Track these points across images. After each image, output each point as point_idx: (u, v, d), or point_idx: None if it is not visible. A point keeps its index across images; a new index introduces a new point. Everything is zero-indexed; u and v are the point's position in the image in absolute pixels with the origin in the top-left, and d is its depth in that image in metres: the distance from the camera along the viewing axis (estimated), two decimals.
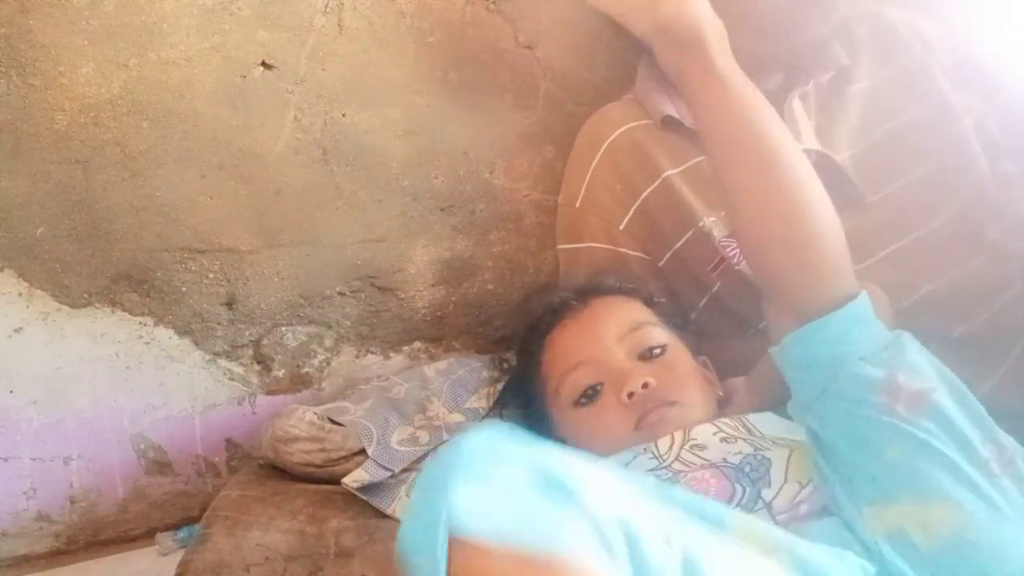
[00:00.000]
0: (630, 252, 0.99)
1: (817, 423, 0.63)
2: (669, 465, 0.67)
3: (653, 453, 0.69)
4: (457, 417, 0.98)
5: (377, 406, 0.99)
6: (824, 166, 0.90)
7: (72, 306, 0.99)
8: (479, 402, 1.00)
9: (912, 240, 0.86)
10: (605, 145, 0.99)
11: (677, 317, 0.91)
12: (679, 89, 0.73)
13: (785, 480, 0.61)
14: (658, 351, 0.78)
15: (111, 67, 0.91)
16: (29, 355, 0.99)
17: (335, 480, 0.93)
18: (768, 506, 0.60)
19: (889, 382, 0.59)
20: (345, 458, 0.94)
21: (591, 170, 1.00)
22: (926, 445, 0.55)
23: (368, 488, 0.91)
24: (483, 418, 0.98)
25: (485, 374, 1.02)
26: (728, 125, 0.69)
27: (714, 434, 0.69)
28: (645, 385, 0.73)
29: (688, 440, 0.69)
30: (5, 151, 0.90)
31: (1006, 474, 0.54)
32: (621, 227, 0.98)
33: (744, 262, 0.89)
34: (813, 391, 0.63)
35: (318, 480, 0.95)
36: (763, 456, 0.64)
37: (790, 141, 0.68)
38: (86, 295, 0.99)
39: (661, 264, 0.98)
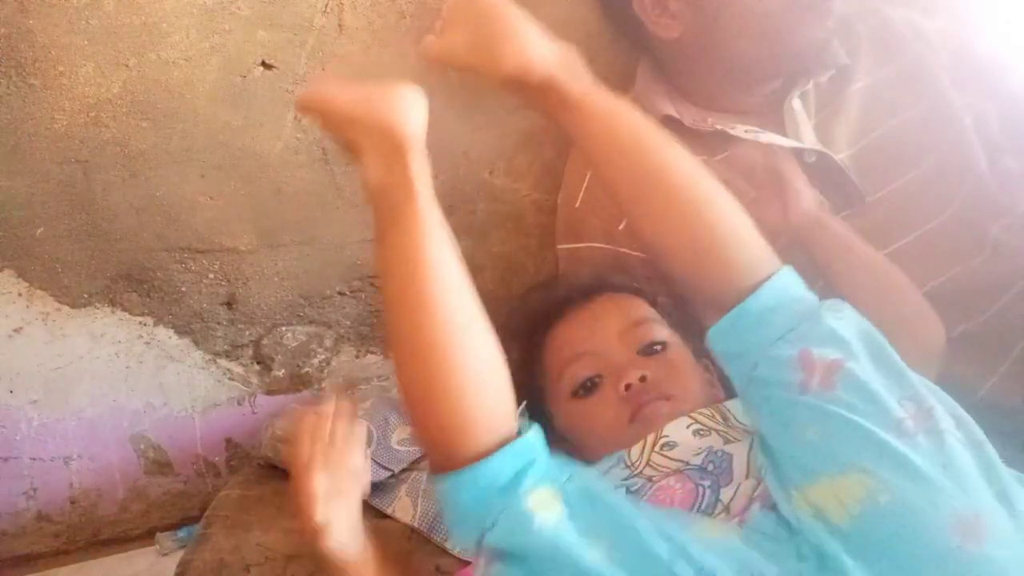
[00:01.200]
0: (630, 252, 0.99)
1: (751, 412, 0.63)
2: (640, 472, 0.67)
3: (625, 462, 0.69)
4: None
5: (377, 406, 0.99)
6: (824, 165, 0.90)
7: (72, 306, 0.99)
8: None
9: (912, 239, 0.86)
10: None
11: (679, 317, 0.91)
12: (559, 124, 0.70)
13: (746, 475, 0.61)
14: (659, 347, 0.78)
15: (111, 67, 0.91)
16: (29, 355, 0.99)
17: None
18: (726, 508, 0.60)
19: (803, 358, 0.58)
20: None
21: (591, 170, 1.00)
22: (838, 417, 0.54)
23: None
24: None
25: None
26: (601, 146, 0.67)
27: (688, 427, 0.69)
28: (643, 379, 0.73)
29: (660, 439, 0.68)
30: (5, 151, 0.90)
31: (921, 430, 0.53)
32: (621, 227, 0.98)
33: None
34: (742, 381, 0.62)
35: None
36: (724, 452, 0.63)
37: (667, 144, 0.66)
38: (86, 295, 0.99)
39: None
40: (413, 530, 0.88)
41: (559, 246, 1.06)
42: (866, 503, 0.50)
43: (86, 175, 0.94)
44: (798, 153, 0.91)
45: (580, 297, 0.85)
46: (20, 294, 0.97)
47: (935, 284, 0.82)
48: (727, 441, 0.66)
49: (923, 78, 0.93)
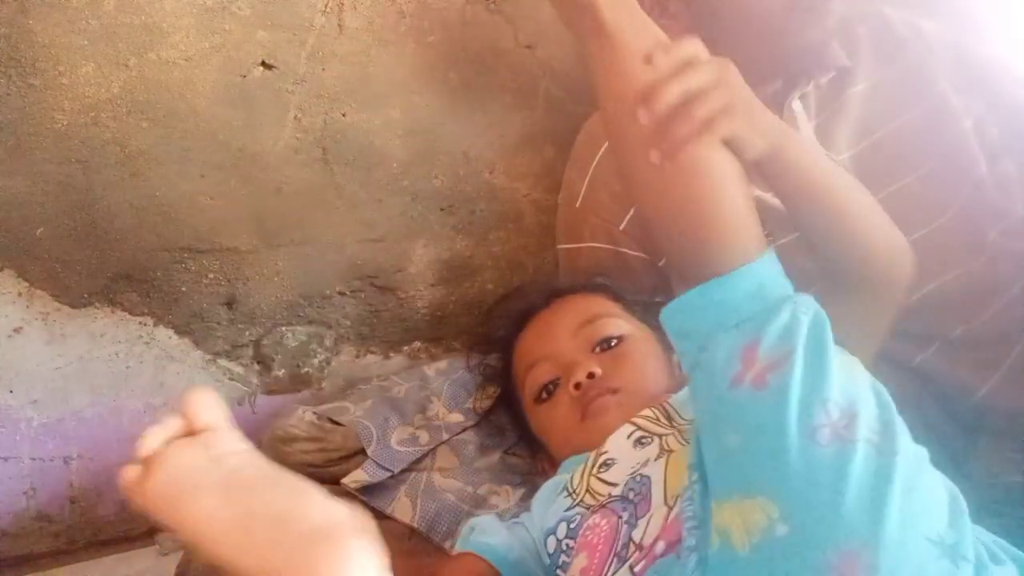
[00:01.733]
0: (630, 252, 0.99)
1: (692, 403, 0.59)
2: (581, 500, 0.66)
3: (568, 489, 0.68)
4: (457, 417, 0.98)
5: (377, 406, 0.99)
6: None
7: (72, 306, 0.99)
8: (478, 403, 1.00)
9: (912, 240, 0.86)
10: (605, 145, 0.99)
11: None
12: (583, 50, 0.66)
13: (663, 499, 0.57)
14: (614, 342, 0.78)
15: (111, 67, 0.91)
16: (29, 355, 0.99)
17: (335, 480, 0.93)
18: (639, 547, 0.56)
19: (747, 351, 0.54)
20: (345, 458, 0.94)
21: (591, 170, 1.00)
22: (755, 428, 0.50)
23: (368, 488, 0.91)
24: (483, 417, 0.98)
25: (474, 377, 1.02)
26: (616, 82, 0.63)
27: (629, 436, 0.67)
28: (591, 375, 0.73)
29: (600, 457, 0.67)
30: (5, 151, 0.90)
31: (836, 439, 0.48)
32: (621, 227, 0.98)
33: None
34: (688, 365, 0.58)
35: (318, 480, 0.94)
36: (643, 476, 0.60)
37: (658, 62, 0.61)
38: (86, 295, 0.99)
39: (661, 264, 0.98)
40: (413, 530, 0.88)
41: (559, 246, 1.07)
42: (766, 533, 0.46)
43: (86, 175, 0.94)
44: None
45: (541, 304, 0.86)
46: (20, 294, 0.97)
47: (935, 286, 0.83)
48: (660, 454, 0.62)
49: (923, 80, 0.93)
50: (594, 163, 1.00)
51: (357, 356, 1.15)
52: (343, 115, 1.02)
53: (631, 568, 0.54)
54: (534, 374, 0.79)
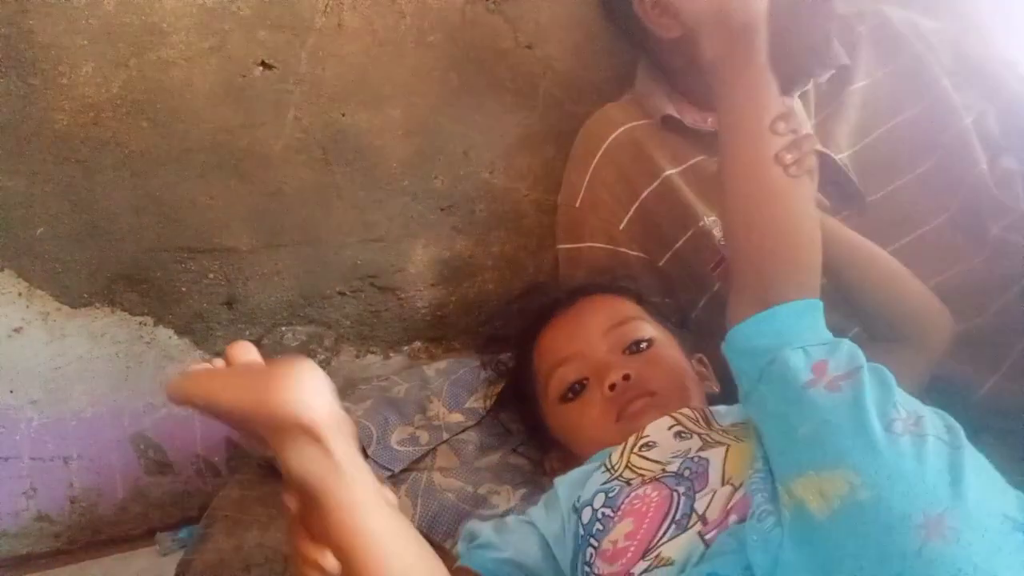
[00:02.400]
0: (630, 252, 0.99)
1: (753, 410, 0.63)
2: (620, 475, 0.67)
3: (606, 465, 0.69)
4: (457, 417, 0.98)
5: (377, 406, 0.99)
6: (824, 165, 0.90)
7: (72, 306, 0.99)
8: (479, 402, 1.00)
9: (913, 238, 0.86)
10: (605, 145, 0.99)
11: (676, 316, 0.91)
12: (716, 83, 0.71)
13: (721, 482, 0.60)
14: (644, 345, 0.78)
15: (111, 67, 0.91)
16: (29, 355, 0.99)
17: None
18: (701, 518, 0.59)
19: (817, 366, 0.59)
20: None
21: (591, 170, 1.00)
22: (832, 413, 0.55)
23: None
24: (482, 419, 0.98)
25: (484, 375, 1.02)
26: (747, 117, 0.68)
27: (669, 428, 0.69)
28: (626, 377, 0.73)
29: (640, 440, 0.68)
30: (5, 151, 0.90)
31: (908, 432, 0.53)
32: (621, 227, 0.98)
33: None
34: (752, 378, 0.62)
35: None
36: (700, 457, 0.63)
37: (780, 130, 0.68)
38: (86, 295, 0.99)
39: (661, 264, 0.98)
40: None
41: (559, 246, 1.07)
42: (847, 499, 0.50)
43: (86, 175, 0.94)
44: None
45: (565, 301, 0.85)
46: (20, 294, 0.97)
47: (935, 283, 0.82)
48: (705, 446, 0.65)
49: (923, 78, 0.93)
50: (594, 163, 1.00)
51: (357, 356, 1.15)
52: (343, 115, 1.02)
53: (700, 535, 0.57)
54: (561, 373, 0.79)
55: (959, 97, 0.91)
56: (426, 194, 1.10)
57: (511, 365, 0.96)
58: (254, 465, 1.03)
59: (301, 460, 0.47)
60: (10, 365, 0.98)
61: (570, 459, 0.79)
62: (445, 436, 0.96)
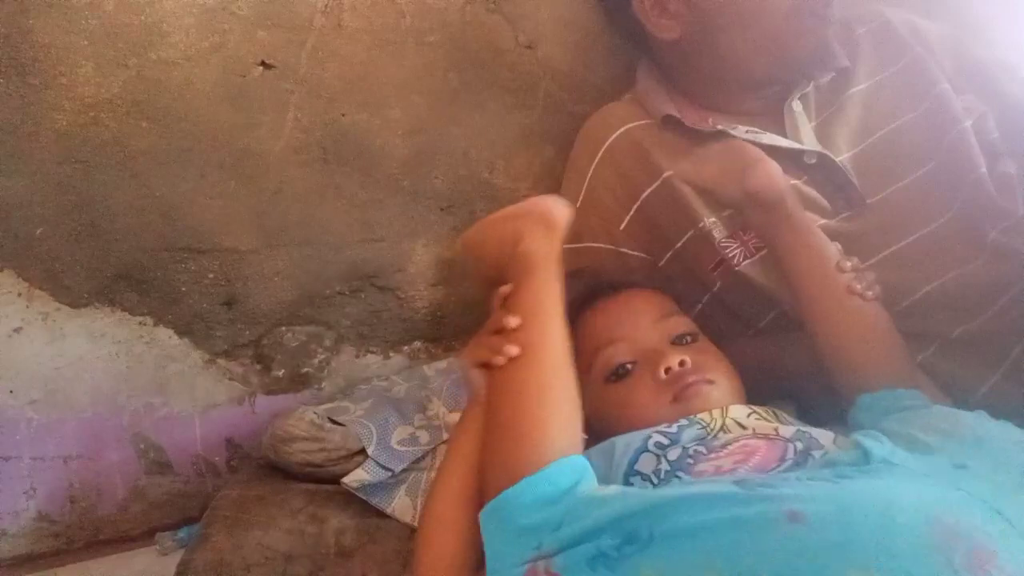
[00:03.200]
0: (630, 252, 0.99)
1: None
2: (716, 434, 0.69)
3: (700, 424, 0.70)
4: (457, 416, 0.98)
5: (377, 406, 0.99)
6: (824, 167, 0.90)
7: (72, 306, 0.99)
8: None
9: (912, 240, 0.86)
10: (605, 145, 0.99)
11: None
12: (765, 240, 0.85)
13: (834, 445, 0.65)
14: (690, 338, 0.79)
15: (111, 67, 0.91)
16: (29, 355, 0.99)
17: (335, 480, 0.93)
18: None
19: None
20: (345, 458, 0.94)
21: (591, 170, 1.00)
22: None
23: (368, 488, 0.91)
24: None
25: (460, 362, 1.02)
26: (806, 260, 0.80)
27: (748, 415, 0.71)
28: (682, 363, 0.74)
29: (727, 415, 0.71)
30: (5, 151, 0.90)
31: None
32: (621, 227, 0.98)
33: (744, 263, 0.89)
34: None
35: (318, 480, 0.95)
36: (810, 435, 0.66)
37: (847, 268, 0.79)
38: (86, 295, 0.99)
39: (661, 264, 0.98)
40: (413, 530, 0.88)
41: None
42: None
43: (86, 175, 0.94)
44: (798, 155, 0.91)
45: (608, 288, 0.86)
46: (20, 294, 0.97)
47: (935, 286, 0.83)
48: (800, 427, 0.68)
49: (923, 81, 0.93)
50: (594, 163, 1.00)
51: (357, 356, 1.15)
52: (343, 115, 1.02)
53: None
54: (608, 353, 0.79)
55: (959, 100, 0.91)
56: (426, 194, 1.10)
57: None
58: (254, 465, 1.03)
59: (539, 243, 0.74)
60: (10, 365, 0.98)
61: (602, 440, 0.79)
62: (445, 436, 0.96)
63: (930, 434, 0.61)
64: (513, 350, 0.68)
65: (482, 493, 0.66)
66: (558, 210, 0.76)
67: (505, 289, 0.74)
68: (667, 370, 0.75)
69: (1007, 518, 0.51)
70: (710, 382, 0.74)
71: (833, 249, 0.80)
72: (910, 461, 0.57)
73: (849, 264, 0.78)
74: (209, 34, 0.93)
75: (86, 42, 0.89)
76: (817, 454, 0.62)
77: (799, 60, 0.93)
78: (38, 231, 0.95)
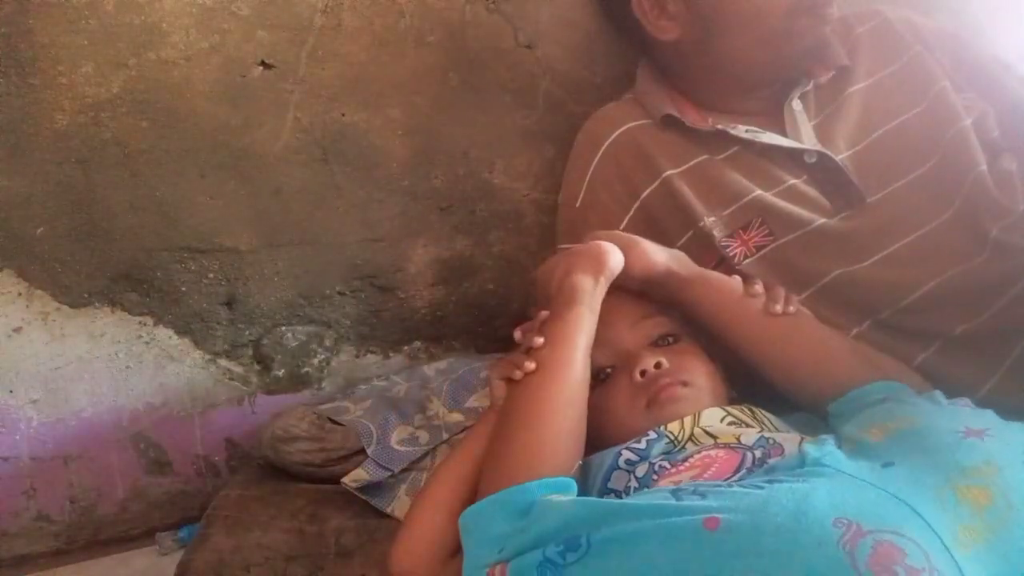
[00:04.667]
0: None
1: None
2: (683, 446, 0.68)
3: (668, 437, 0.69)
4: (457, 416, 0.98)
5: (377, 406, 0.99)
6: (824, 166, 0.90)
7: (72, 306, 0.99)
8: (479, 402, 1.00)
9: (913, 239, 0.86)
10: (605, 145, 0.99)
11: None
12: (678, 306, 0.84)
13: (796, 451, 0.64)
14: (671, 340, 0.79)
15: (111, 67, 0.91)
16: (29, 355, 0.99)
17: (335, 480, 0.93)
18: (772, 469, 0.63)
19: None
20: (345, 458, 0.94)
21: (591, 169, 1.00)
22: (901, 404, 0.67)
23: (368, 488, 0.91)
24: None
25: (484, 374, 1.01)
26: (716, 304, 0.81)
27: (722, 419, 0.70)
28: (658, 365, 0.74)
29: (698, 423, 0.70)
30: (5, 151, 0.90)
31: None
32: (621, 227, 0.98)
33: (745, 261, 0.89)
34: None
35: (318, 480, 0.95)
36: (774, 440, 0.65)
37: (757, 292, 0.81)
38: (86, 295, 0.99)
39: None
40: None
41: (559, 246, 1.06)
42: (904, 430, 0.60)
43: (86, 175, 0.94)
44: (798, 153, 0.91)
45: None
46: (20, 294, 0.97)
47: (935, 284, 0.82)
48: (769, 431, 0.68)
49: (923, 79, 0.93)
50: (594, 162, 1.00)
51: (357, 356, 1.15)
52: (343, 115, 1.02)
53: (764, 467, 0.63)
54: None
55: (959, 98, 0.90)
56: (426, 194, 1.10)
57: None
58: (254, 465, 1.03)
59: (587, 281, 0.76)
60: (10, 365, 0.98)
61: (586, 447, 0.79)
62: (445, 436, 0.96)
63: (873, 433, 0.61)
64: (530, 365, 0.71)
65: (476, 493, 0.67)
66: (613, 256, 0.78)
67: (544, 315, 0.76)
68: (643, 373, 0.74)
69: (923, 517, 0.50)
70: (684, 384, 0.73)
71: (735, 283, 0.81)
72: (842, 463, 0.57)
73: (757, 288, 0.80)
74: (209, 34, 0.94)
75: (86, 42, 0.89)
76: (773, 461, 0.62)
77: (799, 59, 0.93)
78: (38, 231, 0.95)
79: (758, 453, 0.63)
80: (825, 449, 0.59)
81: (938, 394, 0.70)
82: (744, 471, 0.62)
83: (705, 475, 0.63)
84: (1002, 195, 0.83)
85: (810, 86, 0.96)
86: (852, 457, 0.58)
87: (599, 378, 0.77)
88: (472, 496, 0.68)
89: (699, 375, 0.75)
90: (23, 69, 0.88)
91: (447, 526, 0.69)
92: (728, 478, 0.61)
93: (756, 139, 0.91)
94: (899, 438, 0.59)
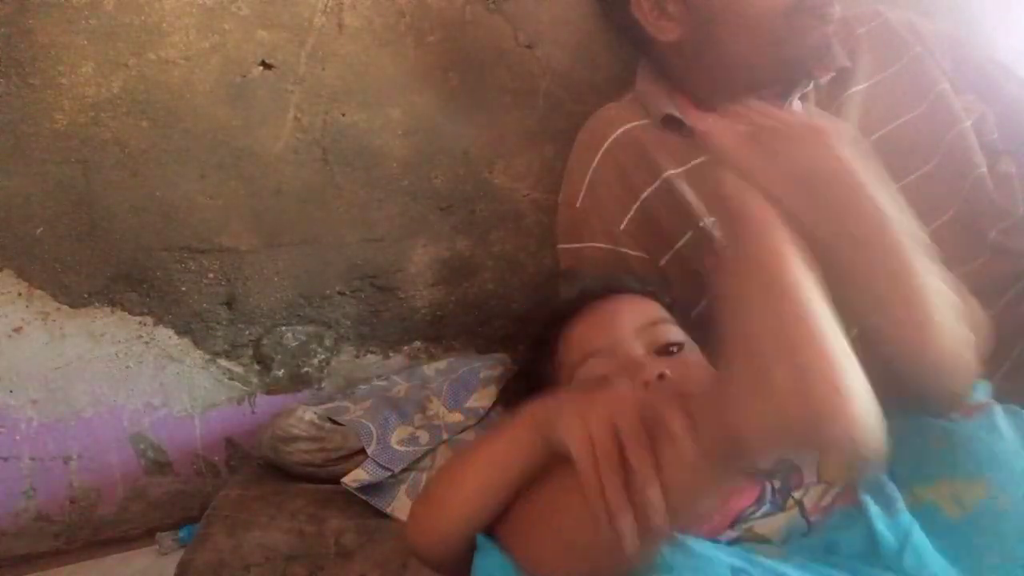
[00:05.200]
0: (630, 252, 0.99)
1: None
2: None
3: None
4: (457, 416, 0.98)
5: (377, 406, 0.99)
6: None
7: (72, 306, 0.99)
8: (479, 401, 1.00)
9: None
10: (606, 145, 0.99)
11: (685, 322, 0.91)
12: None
13: (816, 481, 0.62)
14: (675, 348, 0.77)
15: (111, 67, 0.91)
16: (29, 355, 0.99)
17: (335, 480, 0.93)
18: (799, 504, 0.60)
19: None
20: (345, 458, 0.94)
21: (591, 170, 1.00)
22: (966, 434, 0.59)
23: (367, 488, 0.91)
24: (484, 417, 0.98)
25: (484, 374, 1.01)
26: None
27: None
28: (661, 376, 0.73)
29: None
30: (5, 151, 0.90)
31: None
32: (622, 227, 0.98)
33: None
34: None
35: (318, 480, 0.95)
36: (789, 463, 0.64)
37: None
38: (86, 295, 0.99)
39: (662, 264, 0.97)
40: None
41: (560, 246, 1.06)
42: (984, 503, 0.54)
43: (86, 175, 0.94)
44: None
45: (596, 296, 0.84)
46: (20, 294, 0.97)
47: None
48: None
49: (923, 81, 0.93)
50: (594, 163, 1.00)
51: (357, 356, 1.15)
52: (343, 115, 1.02)
53: (802, 515, 0.59)
54: (591, 366, 0.77)
55: (959, 100, 0.91)
56: (426, 194, 1.10)
57: (527, 356, 0.94)
58: (254, 465, 1.03)
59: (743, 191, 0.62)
60: (10, 365, 0.98)
61: None
62: (445, 436, 0.96)
63: (944, 498, 0.56)
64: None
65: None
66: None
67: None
68: (646, 383, 0.72)
69: None
70: (687, 396, 0.72)
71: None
72: (929, 561, 0.52)
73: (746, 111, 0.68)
74: (209, 34, 0.94)
75: (86, 42, 0.89)
76: (797, 494, 0.60)
77: (799, 60, 0.93)
78: (38, 231, 0.95)
79: (776, 482, 0.61)
80: (902, 530, 0.54)
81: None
82: (768, 506, 0.60)
83: (729, 501, 0.61)
84: (1001, 197, 0.83)
85: (810, 87, 0.96)
86: (935, 546, 0.53)
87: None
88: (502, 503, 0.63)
89: (702, 386, 0.74)
90: (23, 69, 0.88)
91: (476, 516, 0.63)
92: (751, 513, 0.60)
93: None
94: (982, 523, 0.53)
